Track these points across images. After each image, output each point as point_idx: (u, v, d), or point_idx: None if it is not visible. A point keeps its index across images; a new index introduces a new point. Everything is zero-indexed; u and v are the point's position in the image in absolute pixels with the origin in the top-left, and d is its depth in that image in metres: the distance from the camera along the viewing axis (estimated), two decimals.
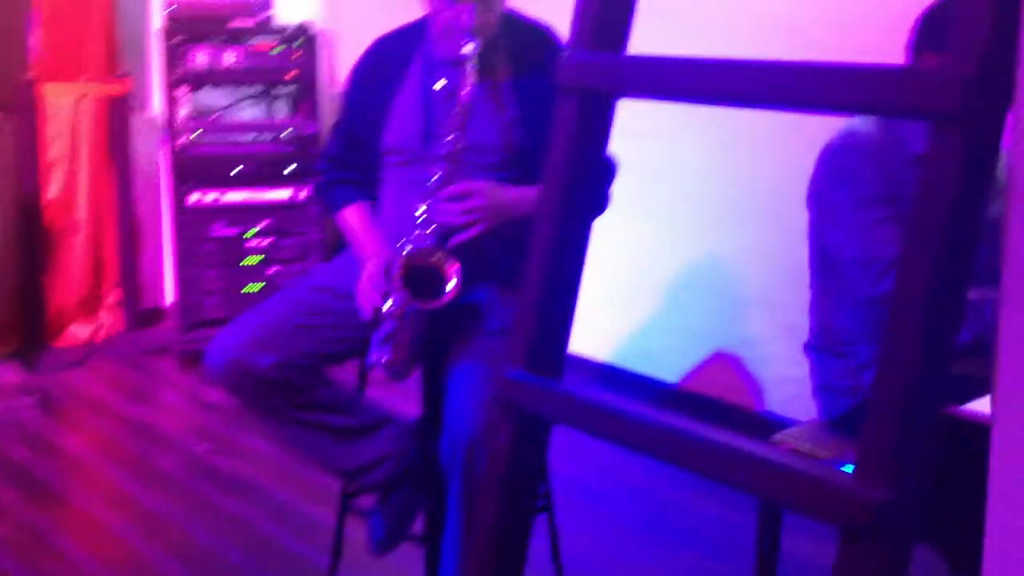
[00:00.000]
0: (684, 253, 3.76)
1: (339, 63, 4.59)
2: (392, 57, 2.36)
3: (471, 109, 2.15)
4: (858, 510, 0.94)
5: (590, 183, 1.24)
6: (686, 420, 1.09)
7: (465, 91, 2.13)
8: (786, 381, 3.34)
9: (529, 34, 2.32)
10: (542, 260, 1.20)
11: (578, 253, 1.23)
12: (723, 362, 3.70)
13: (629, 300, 3.93)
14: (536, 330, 1.21)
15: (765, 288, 3.51)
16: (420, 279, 2.12)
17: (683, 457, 1.06)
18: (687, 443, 1.06)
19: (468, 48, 2.13)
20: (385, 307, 2.15)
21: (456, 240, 2.15)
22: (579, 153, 1.20)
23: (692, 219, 3.72)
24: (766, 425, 3.17)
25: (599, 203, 2.21)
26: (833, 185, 2.21)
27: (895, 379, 0.95)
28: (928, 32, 2.13)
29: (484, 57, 2.17)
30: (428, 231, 2.15)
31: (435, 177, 2.16)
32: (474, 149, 2.20)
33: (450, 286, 2.12)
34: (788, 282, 2.98)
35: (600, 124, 1.21)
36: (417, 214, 2.16)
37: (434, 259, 2.13)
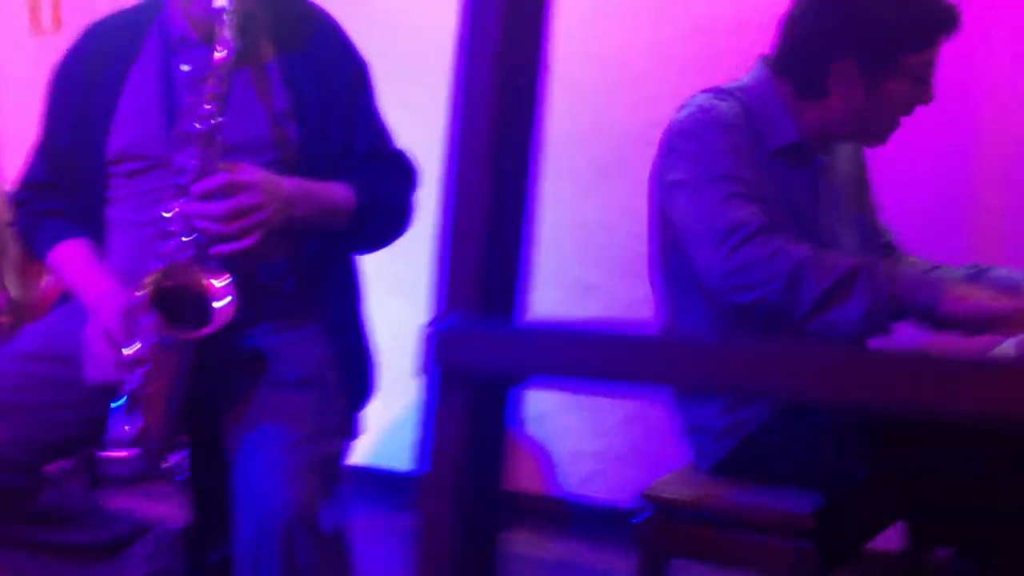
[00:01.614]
0: None
1: None
2: (114, 45, 1.81)
3: (229, 88, 1.63)
4: None
5: None
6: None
7: (221, 56, 1.61)
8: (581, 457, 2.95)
9: (293, 6, 1.85)
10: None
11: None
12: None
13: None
14: (473, 259, 0.71)
15: None
16: (176, 304, 1.56)
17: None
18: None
19: (218, 2, 1.62)
20: (129, 350, 1.55)
21: (221, 250, 1.58)
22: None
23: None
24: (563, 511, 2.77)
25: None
26: (685, 159, 1.83)
27: None
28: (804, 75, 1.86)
29: (242, 25, 1.67)
30: (184, 241, 1.58)
31: (188, 169, 1.60)
32: (237, 148, 1.67)
33: (221, 304, 1.55)
34: None
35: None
36: (167, 215, 1.59)
37: (193, 275, 1.57)
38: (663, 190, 1.87)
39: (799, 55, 1.86)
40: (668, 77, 2.87)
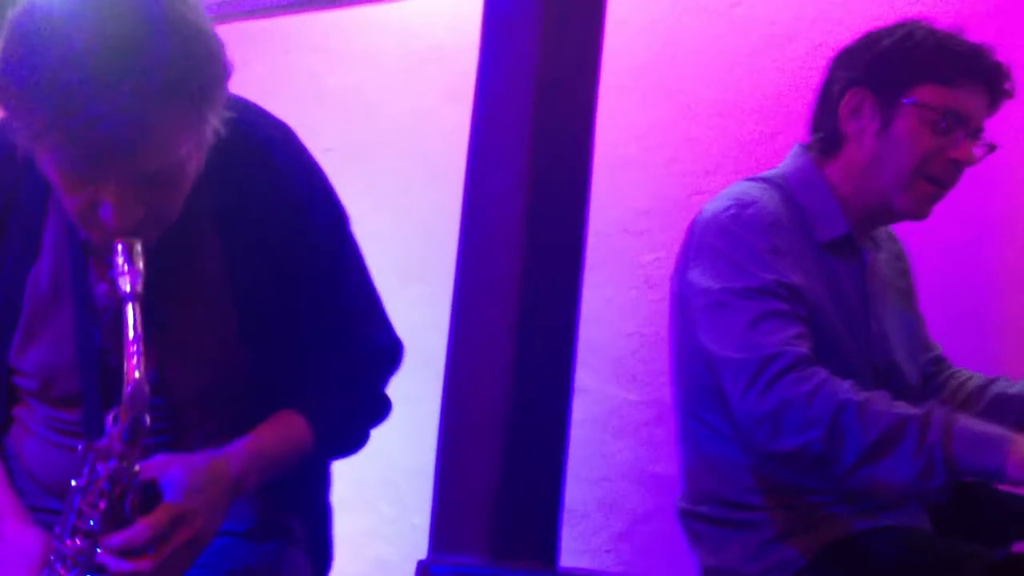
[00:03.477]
0: None
1: None
2: (14, 190, 1.36)
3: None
4: None
5: None
6: None
7: (137, 359, 1.19)
8: None
9: (238, 166, 1.34)
10: None
11: None
12: None
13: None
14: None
15: None
16: None
17: None
18: None
19: (126, 284, 1.20)
20: None
21: None
22: None
23: None
24: None
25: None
26: (717, 262, 1.57)
27: None
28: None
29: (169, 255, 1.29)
30: None
31: (87, 512, 1.22)
32: (168, 388, 1.33)
33: None
34: None
35: None
36: (61, 551, 1.23)
37: None
38: (688, 293, 1.62)
39: (818, 105, 1.72)
40: (655, 160, 2.62)
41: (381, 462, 2.88)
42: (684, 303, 1.63)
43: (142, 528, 1.20)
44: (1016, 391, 1.75)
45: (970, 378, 1.83)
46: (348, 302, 1.43)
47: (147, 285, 1.21)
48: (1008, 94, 1.66)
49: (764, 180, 1.69)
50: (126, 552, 1.19)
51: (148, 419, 1.20)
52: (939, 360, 1.88)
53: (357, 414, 1.45)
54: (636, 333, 2.58)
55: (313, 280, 1.39)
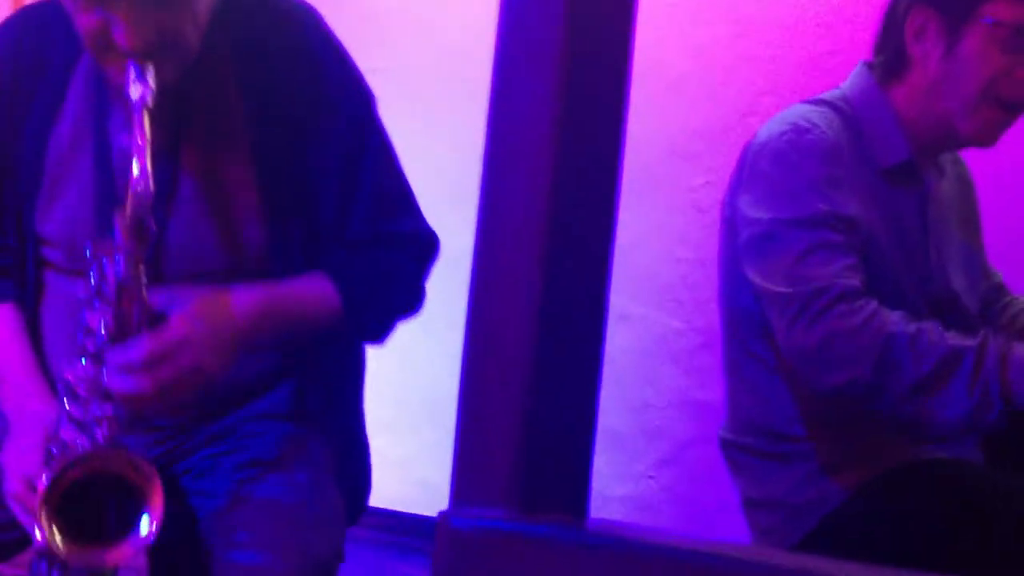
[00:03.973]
0: None
1: None
2: (42, 54, 1.40)
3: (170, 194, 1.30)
4: None
5: None
6: None
7: (142, 160, 1.20)
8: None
9: (260, 29, 1.38)
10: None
11: None
12: None
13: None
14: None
15: None
16: (84, 506, 1.19)
17: None
18: None
19: (136, 92, 1.22)
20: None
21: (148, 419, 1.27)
22: None
23: None
24: None
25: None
26: (771, 190, 1.52)
27: None
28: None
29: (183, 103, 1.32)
30: (100, 417, 1.21)
31: (96, 329, 1.23)
32: (179, 255, 1.34)
33: (145, 525, 1.18)
34: None
35: None
36: (71, 380, 1.24)
37: (111, 466, 1.19)
38: (738, 222, 1.57)
39: (884, 25, 1.62)
40: (708, 80, 2.54)
41: (424, 384, 2.88)
42: (734, 231, 1.58)
43: (144, 341, 1.20)
44: None
45: None
46: (373, 185, 1.41)
47: (164, 143, 1.24)
48: None
49: (824, 103, 1.61)
50: (129, 368, 1.19)
51: (153, 223, 1.21)
52: (999, 288, 1.81)
53: (388, 290, 1.43)
54: (685, 259, 2.53)
55: (337, 156, 1.38)
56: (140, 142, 1.19)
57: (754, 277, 1.51)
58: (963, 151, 1.74)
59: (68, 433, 1.21)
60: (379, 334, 1.46)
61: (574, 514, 0.41)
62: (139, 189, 1.19)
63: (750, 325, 1.60)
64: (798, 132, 1.52)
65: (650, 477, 2.80)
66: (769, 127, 1.57)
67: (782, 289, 1.46)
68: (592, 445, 0.43)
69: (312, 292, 1.38)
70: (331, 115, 1.38)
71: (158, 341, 1.21)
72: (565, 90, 0.46)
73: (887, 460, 1.57)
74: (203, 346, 1.24)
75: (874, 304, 1.41)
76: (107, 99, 1.36)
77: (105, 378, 1.20)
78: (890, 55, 1.61)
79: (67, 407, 1.22)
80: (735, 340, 1.66)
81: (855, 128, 1.58)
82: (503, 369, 0.43)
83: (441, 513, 0.43)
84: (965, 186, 1.77)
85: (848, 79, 1.66)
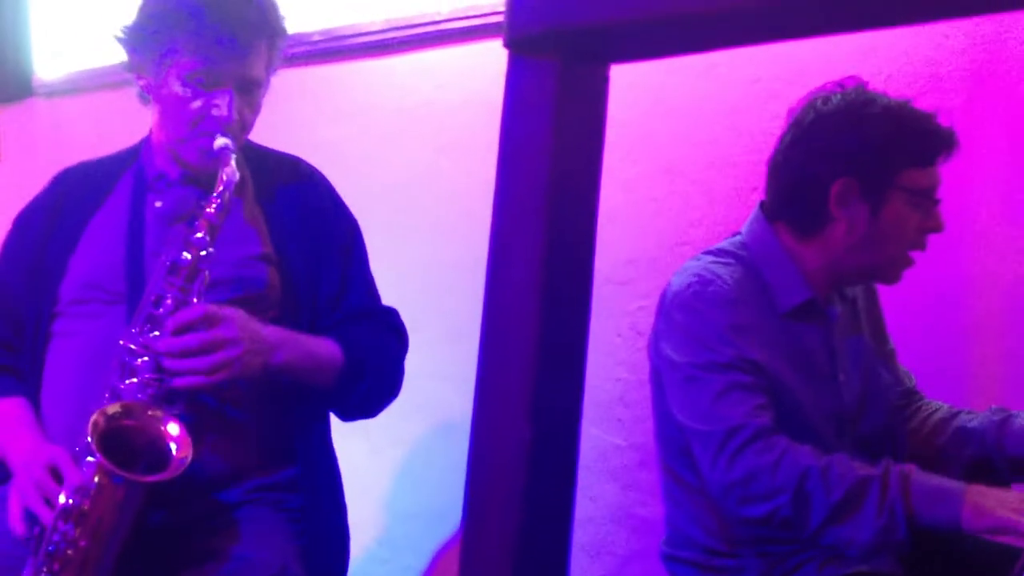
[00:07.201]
0: None
1: None
2: (83, 191, 1.76)
3: (222, 222, 1.60)
4: None
5: None
6: None
7: (220, 190, 1.59)
8: None
9: (275, 163, 1.85)
10: None
11: None
12: None
13: None
14: None
15: None
16: (127, 447, 1.47)
17: None
18: None
19: (220, 142, 1.61)
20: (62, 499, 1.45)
21: (186, 384, 1.51)
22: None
23: None
24: None
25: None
26: (681, 336, 1.66)
27: None
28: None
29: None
30: (145, 380, 1.50)
31: (165, 299, 1.54)
32: (220, 284, 1.64)
33: (175, 449, 1.47)
34: None
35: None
36: (132, 347, 1.52)
37: (151, 418, 1.49)
38: (660, 364, 1.72)
39: (796, 188, 1.72)
40: (635, 215, 2.70)
41: (373, 503, 2.93)
42: (658, 372, 1.72)
43: (199, 306, 1.52)
44: (975, 425, 1.80)
45: (936, 410, 1.89)
46: (362, 285, 1.79)
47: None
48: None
49: (726, 252, 1.74)
50: (184, 328, 1.50)
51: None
52: (910, 393, 1.93)
53: (385, 350, 1.75)
54: (623, 379, 2.65)
55: (335, 262, 1.75)
56: (224, 180, 1.59)
57: (678, 414, 1.65)
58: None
59: (110, 399, 1.47)
60: (364, 404, 1.74)
61: None
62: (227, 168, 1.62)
63: (677, 454, 1.72)
64: (703, 284, 1.66)
65: None
66: (679, 277, 1.70)
67: (702, 427, 1.60)
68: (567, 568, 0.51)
69: (322, 344, 1.67)
70: (334, 218, 1.80)
71: (210, 308, 1.53)
72: (547, 280, 0.58)
73: (814, 574, 1.67)
74: (243, 327, 1.54)
75: (785, 440, 1.54)
76: (151, 184, 1.72)
77: (159, 342, 1.47)
78: (805, 213, 1.72)
79: (117, 380, 1.50)
80: (666, 465, 1.78)
81: (755, 275, 1.70)
82: (498, 498, 0.52)
83: None
84: (869, 292, 1.88)
85: (747, 223, 1.79)
